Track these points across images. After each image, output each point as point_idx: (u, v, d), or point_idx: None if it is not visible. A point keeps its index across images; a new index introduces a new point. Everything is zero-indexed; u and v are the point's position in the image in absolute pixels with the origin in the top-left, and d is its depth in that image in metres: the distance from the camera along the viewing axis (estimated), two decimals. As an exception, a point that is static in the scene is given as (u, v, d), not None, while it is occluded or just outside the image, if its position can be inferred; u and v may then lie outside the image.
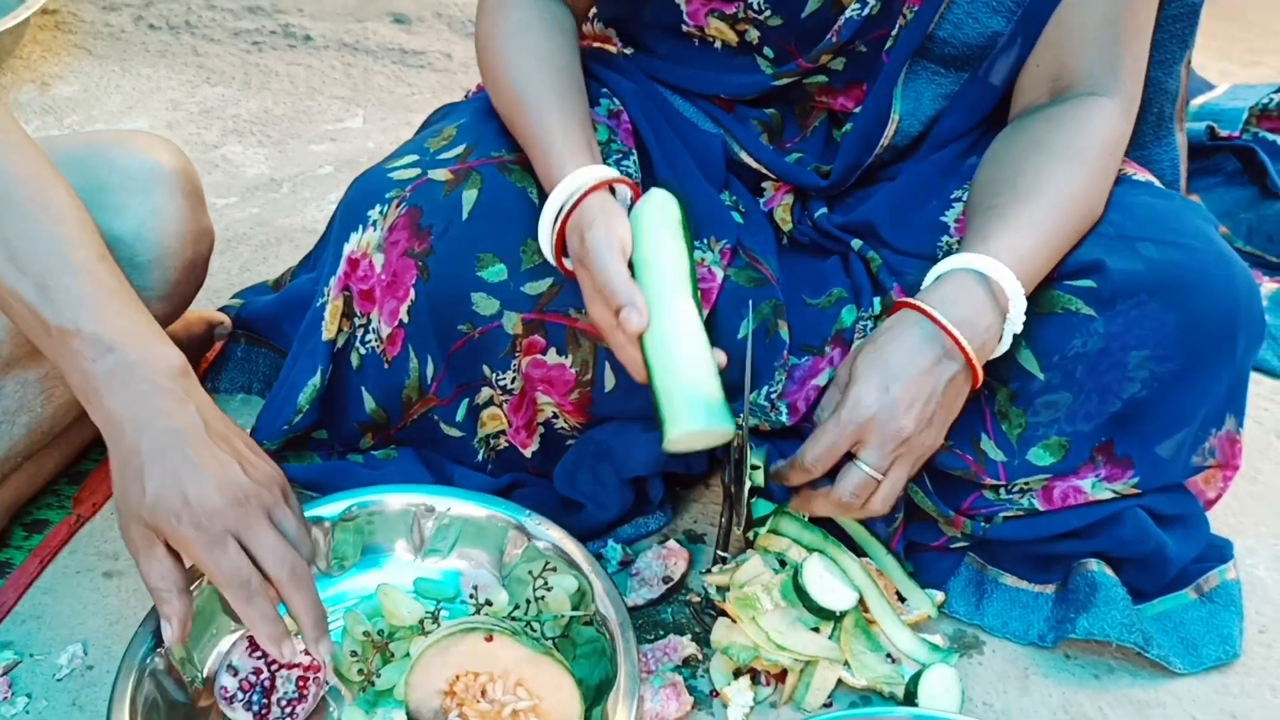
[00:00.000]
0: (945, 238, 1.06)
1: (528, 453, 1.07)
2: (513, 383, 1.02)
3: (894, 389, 0.85)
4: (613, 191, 0.94)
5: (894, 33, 1.02)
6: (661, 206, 0.93)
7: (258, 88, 1.96)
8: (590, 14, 1.18)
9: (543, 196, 1.00)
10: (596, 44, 1.17)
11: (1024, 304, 0.89)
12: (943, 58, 1.04)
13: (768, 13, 1.03)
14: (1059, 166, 0.95)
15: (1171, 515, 1.02)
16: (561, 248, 0.94)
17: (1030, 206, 0.92)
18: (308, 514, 0.98)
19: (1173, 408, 0.96)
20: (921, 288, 0.92)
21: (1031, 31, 1.01)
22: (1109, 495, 0.99)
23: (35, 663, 0.96)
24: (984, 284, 0.88)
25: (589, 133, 0.99)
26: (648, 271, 0.90)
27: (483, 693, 0.85)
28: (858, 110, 1.08)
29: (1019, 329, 0.91)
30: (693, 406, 0.85)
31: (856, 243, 1.09)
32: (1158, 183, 1.07)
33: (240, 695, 0.87)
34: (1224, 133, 1.60)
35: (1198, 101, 1.69)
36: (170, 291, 1.02)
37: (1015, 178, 0.95)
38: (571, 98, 1.00)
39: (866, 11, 1.00)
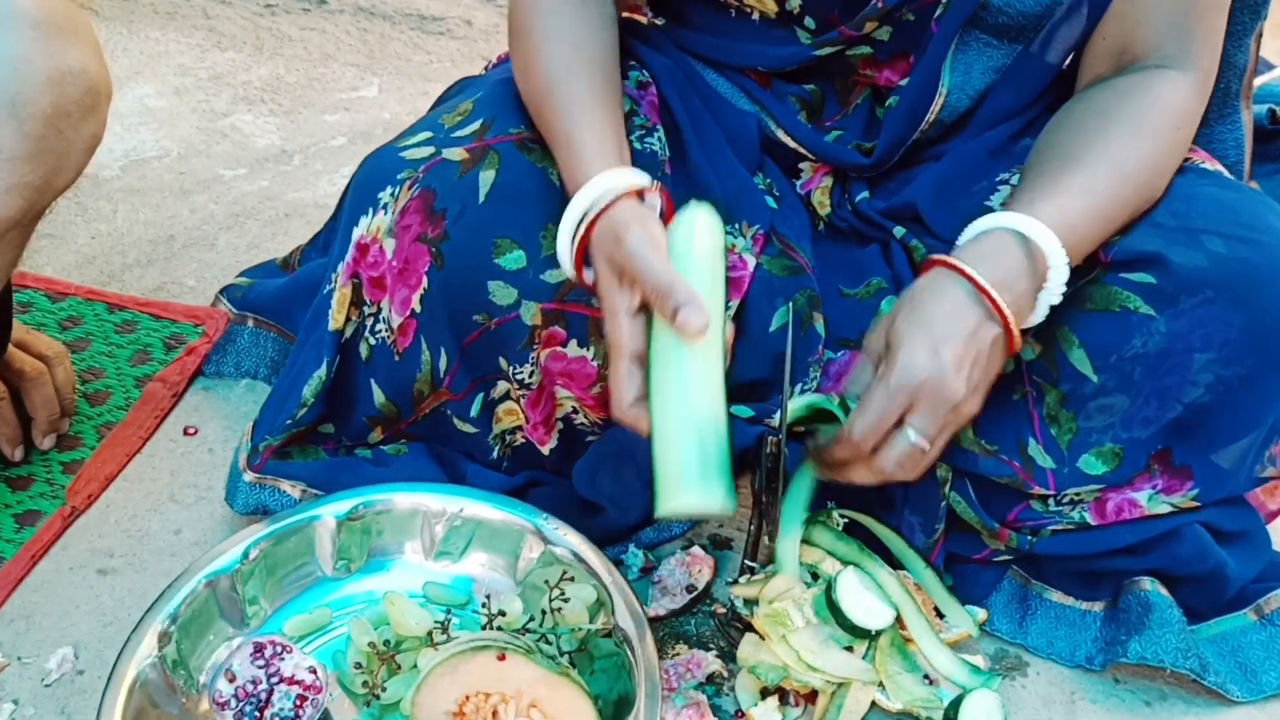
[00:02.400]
0: None
1: (545, 450, 1.01)
2: (531, 376, 0.96)
3: (944, 351, 0.78)
4: (641, 198, 0.87)
5: None
6: (703, 226, 0.84)
7: (270, 53, 1.89)
8: None
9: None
10: (625, 14, 1.10)
11: (1066, 273, 0.83)
12: (996, 27, 0.97)
13: None
14: (1118, 135, 0.89)
15: (1232, 531, 0.96)
16: (582, 258, 0.87)
17: (1082, 172, 0.86)
18: (311, 512, 0.95)
19: (1237, 414, 0.90)
20: (958, 243, 0.86)
21: (1097, 3, 0.94)
22: (1166, 509, 0.93)
23: (23, 666, 0.92)
24: (1024, 246, 0.82)
25: (621, 134, 0.92)
26: None
27: (494, 714, 0.81)
28: (903, 84, 1.02)
29: (1057, 300, 0.85)
30: (694, 477, 0.76)
31: (899, 230, 1.02)
32: (1226, 173, 1.00)
33: (234, 703, 0.82)
34: (1285, 116, 1.52)
35: (1257, 82, 1.61)
36: (34, 150, 0.86)
37: (1070, 144, 0.89)
38: (605, 92, 0.93)
39: None
